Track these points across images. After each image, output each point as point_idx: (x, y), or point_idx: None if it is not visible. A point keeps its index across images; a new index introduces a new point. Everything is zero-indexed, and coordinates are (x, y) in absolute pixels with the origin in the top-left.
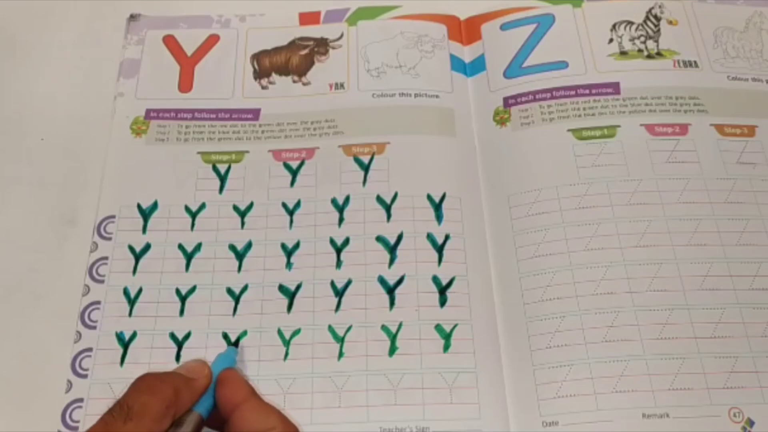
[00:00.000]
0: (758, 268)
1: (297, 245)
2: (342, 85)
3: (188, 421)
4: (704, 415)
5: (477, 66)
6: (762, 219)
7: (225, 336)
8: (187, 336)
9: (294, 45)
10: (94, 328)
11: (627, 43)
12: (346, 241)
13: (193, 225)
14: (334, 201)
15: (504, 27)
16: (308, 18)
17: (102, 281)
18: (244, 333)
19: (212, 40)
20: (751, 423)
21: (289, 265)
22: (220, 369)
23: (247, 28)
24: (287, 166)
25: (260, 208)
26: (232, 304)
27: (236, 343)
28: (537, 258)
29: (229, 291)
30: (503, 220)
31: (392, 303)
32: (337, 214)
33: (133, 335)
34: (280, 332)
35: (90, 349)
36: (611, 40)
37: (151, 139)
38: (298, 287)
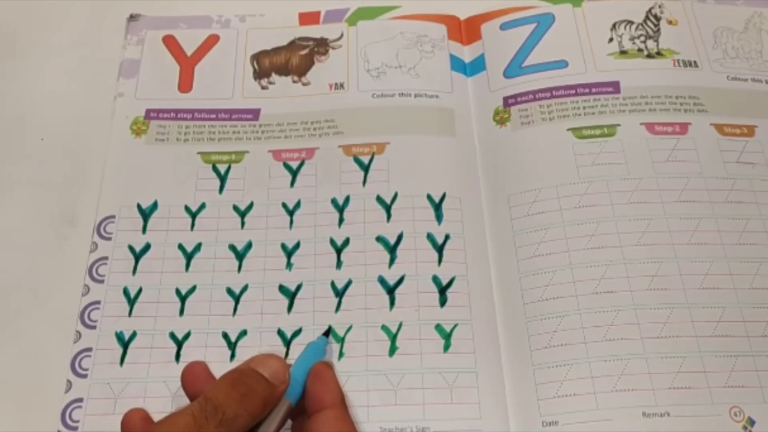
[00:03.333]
0: (758, 267)
1: (297, 246)
2: (342, 85)
3: (278, 408)
4: (705, 414)
5: (477, 66)
6: (762, 218)
7: (225, 336)
8: (187, 336)
9: (294, 45)
10: (94, 327)
11: (627, 42)
12: (347, 242)
13: (193, 225)
14: (334, 201)
15: (504, 27)
16: (308, 18)
17: (102, 281)
18: (245, 333)
19: (212, 40)
20: (751, 422)
21: (289, 265)
22: (311, 359)
23: (247, 29)
24: (287, 167)
25: (260, 209)
26: (232, 304)
27: (327, 333)
28: (537, 257)
29: (229, 291)
30: (503, 220)
31: (392, 303)
32: (337, 215)
33: (133, 335)
34: (280, 332)
35: (90, 349)
36: (611, 40)
37: (151, 139)
38: (299, 288)
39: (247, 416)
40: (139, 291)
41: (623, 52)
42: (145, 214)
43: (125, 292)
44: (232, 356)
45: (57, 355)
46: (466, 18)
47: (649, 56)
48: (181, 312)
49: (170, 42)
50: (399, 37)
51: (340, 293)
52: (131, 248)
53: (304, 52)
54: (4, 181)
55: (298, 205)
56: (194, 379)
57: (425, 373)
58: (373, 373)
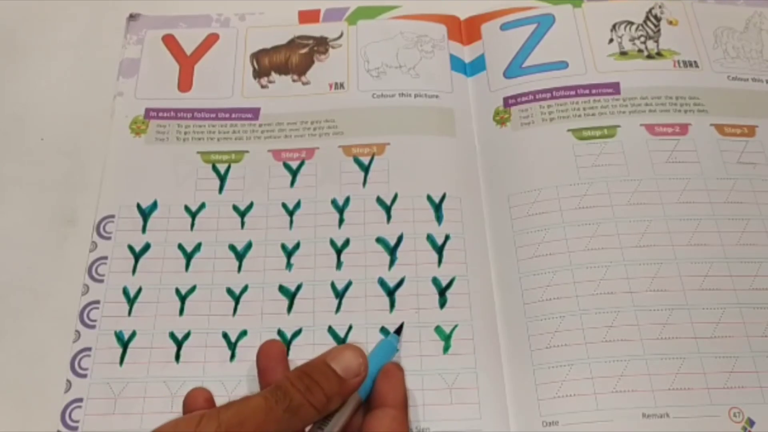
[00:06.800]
0: (758, 268)
1: (297, 246)
2: (342, 85)
3: (349, 402)
4: (704, 415)
5: (477, 66)
6: (762, 219)
7: (225, 336)
8: (187, 336)
9: (293, 44)
10: (94, 327)
11: (627, 43)
12: (347, 243)
13: (192, 225)
14: (334, 202)
15: (504, 27)
16: (308, 16)
17: (101, 281)
18: (245, 333)
19: (212, 39)
20: (751, 423)
21: (289, 265)
22: (383, 357)
23: (247, 27)
24: (287, 166)
25: (260, 209)
26: (232, 304)
27: (399, 330)
28: (537, 258)
29: (229, 291)
30: (503, 220)
31: (392, 305)
32: (337, 215)
33: (133, 335)
34: (280, 333)
35: (89, 349)
36: (611, 40)
37: (150, 138)
38: (299, 288)
39: (310, 408)
40: (139, 291)
41: (623, 53)
42: (145, 213)
43: (125, 291)
44: (232, 356)
45: (57, 354)
46: (466, 18)
47: (649, 57)
48: (181, 312)
49: (170, 41)
50: (399, 37)
51: (340, 294)
52: (131, 248)
53: (303, 50)
54: (4, 181)
55: (298, 205)
56: (267, 356)
57: (425, 374)
58: None
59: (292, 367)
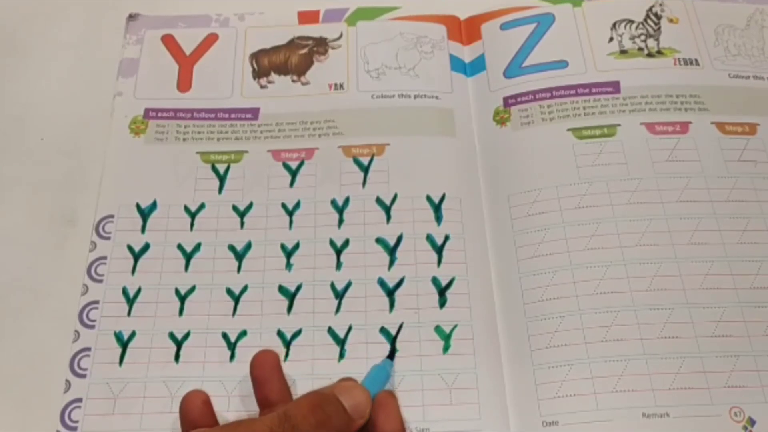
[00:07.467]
0: (759, 267)
1: (297, 246)
2: (341, 86)
3: None
4: (705, 414)
5: (477, 66)
6: (763, 217)
7: (224, 336)
8: (187, 336)
9: (293, 44)
10: (93, 327)
11: (627, 41)
12: (346, 243)
13: (192, 225)
14: (333, 202)
15: (504, 27)
16: (307, 17)
17: (101, 281)
18: (244, 333)
19: (211, 39)
20: (752, 422)
21: (288, 266)
22: (376, 384)
23: (246, 27)
24: (287, 167)
25: (260, 209)
26: (232, 304)
27: (391, 355)
28: (537, 258)
29: (229, 291)
30: (503, 220)
31: (392, 305)
32: (336, 216)
33: (132, 335)
34: (280, 333)
35: (89, 349)
36: (611, 39)
37: (150, 138)
38: (298, 288)
39: None
40: (138, 291)
41: (623, 52)
42: (144, 213)
43: (124, 291)
44: (232, 356)
45: (56, 354)
46: (466, 18)
47: (650, 55)
48: (181, 312)
49: (169, 41)
50: (398, 38)
51: (339, 294)
52: (130, 248)
53: (303, 51)
54: (4, 181)
55: (297, 205)
56: (262, 366)
57: (425, 374)
58: None
59: (286, 374)
